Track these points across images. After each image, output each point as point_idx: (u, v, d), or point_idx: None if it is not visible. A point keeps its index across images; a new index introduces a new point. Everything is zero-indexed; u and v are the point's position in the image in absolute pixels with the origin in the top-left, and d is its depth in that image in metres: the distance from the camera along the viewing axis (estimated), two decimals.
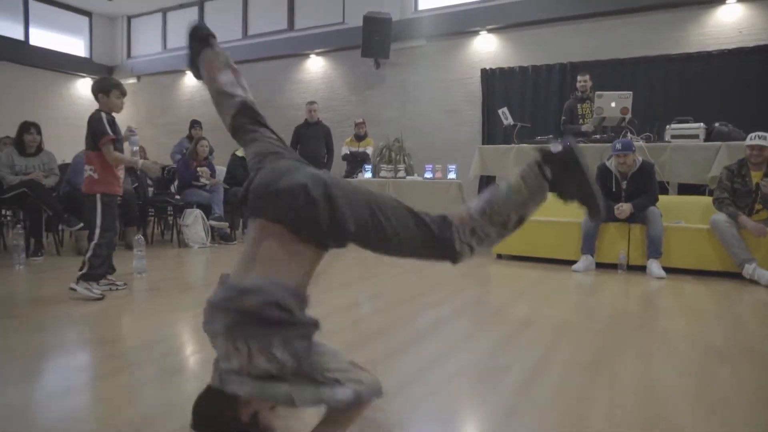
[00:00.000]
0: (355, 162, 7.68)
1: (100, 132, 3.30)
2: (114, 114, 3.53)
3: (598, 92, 5.69)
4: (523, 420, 1.67)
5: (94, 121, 3.35)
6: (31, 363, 2.19)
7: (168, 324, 2.86)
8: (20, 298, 3.50)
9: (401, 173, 7.01)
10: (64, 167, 5.65)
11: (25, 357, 2.25)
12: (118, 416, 1.65)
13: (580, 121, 6.19)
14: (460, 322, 2.98)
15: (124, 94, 3.50)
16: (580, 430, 1.60)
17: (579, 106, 6.23)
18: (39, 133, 5.10)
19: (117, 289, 3.56)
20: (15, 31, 10.66)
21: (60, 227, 5.20)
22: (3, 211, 5.10)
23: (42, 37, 11.11)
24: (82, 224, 5.00)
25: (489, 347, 2.43)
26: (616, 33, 7.16)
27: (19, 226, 4.54)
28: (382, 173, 7.11)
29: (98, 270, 3.35)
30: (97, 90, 3.45)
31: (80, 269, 3.30)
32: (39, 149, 5.14)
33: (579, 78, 6.28)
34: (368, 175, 7.19)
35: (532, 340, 2.53)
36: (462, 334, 2.69)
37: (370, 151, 7.82)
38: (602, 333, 2.70)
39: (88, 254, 3.29)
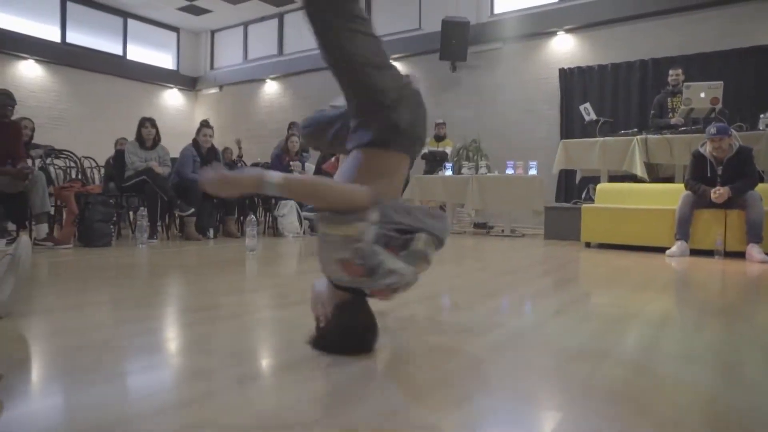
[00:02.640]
0: (435, 161, 7.88)
1: None
2: None
3: (686, 83, 5.68)
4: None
5: None
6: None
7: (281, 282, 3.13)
8: (181, 264, 3.88)
9: (483, 170, 7.14)
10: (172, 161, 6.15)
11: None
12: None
13: (670, 114, 6.16)
14: (553, 294, 3.09)
15: None
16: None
17: (670, 99, 6.21)
18: (153, 126, 5.60)
19: None
20: (115, 48, 11.60)
21: (175, 213, 5.65)
22: (123, 199, 5.61)
23: (137, 52, 12.02)
24: (192, 209, 5.42)
25: (581, 323, 2.53)
26: (704, 27, 7.09)
27: (142, 208, 4.98)
28: (464, 170, 7.26)
29: None
30: None
31: None
32: (155, 143, 5.63)
33: (671, 72, 6.25)
34: (449, 172, 7.37)
35: (632, 318, 2.61)
36: (558, 303, 2.81)
37: (449, 150, 8.02)
38: (708, 315, 2.75)
39: None
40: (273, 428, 1.07)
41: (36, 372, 1.47)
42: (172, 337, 1.87)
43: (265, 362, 1.59)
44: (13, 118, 4.80)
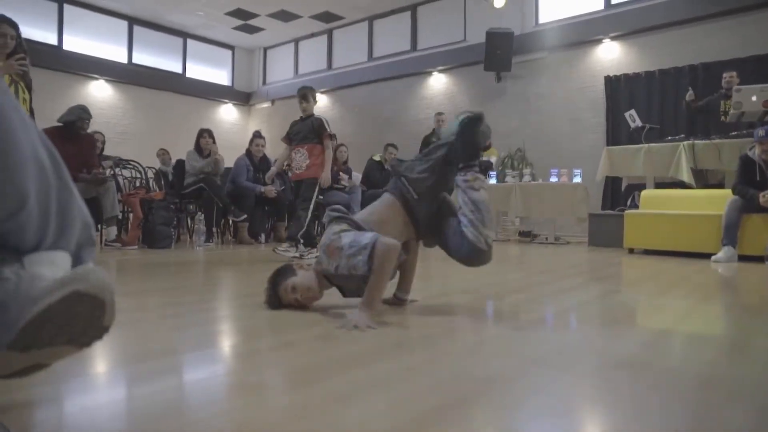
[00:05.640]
0: (479, 170, 7.96)
1: (326, 129, 4.29)
2: None
3: (736, 87, 5.60)
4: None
5: (321, 121, 4.34)
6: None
7: None
8: (239, 258, 4.17)
9: (526, 177, 7.20)
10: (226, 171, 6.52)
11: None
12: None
13: (722, 118, 6.11)
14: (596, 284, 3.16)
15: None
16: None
17: (723, 102, 6.18)
18: (211, 136, 5.98)
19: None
20: (175, 66, 12.30)
21: (230, 218, 5.99)
22: (182, 205, 6.01)
23: (195, 70, 12.69)
24: (245, 216, 5.75)
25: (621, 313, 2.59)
26: (760, 28, 6.93)
27: (200, 213, 5.33)
28: (508, 179, 7.34)
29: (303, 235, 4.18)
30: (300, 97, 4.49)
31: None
32: (211, 152, 6.00)
33: (725, 75, 6.23)
34: (493, 181, 7.45)
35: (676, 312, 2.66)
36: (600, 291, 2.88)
37: (494, 160, 8.10)
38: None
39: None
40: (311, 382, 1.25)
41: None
42: (224, 317, 2.09)
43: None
44: (88, 131, 5.25)
